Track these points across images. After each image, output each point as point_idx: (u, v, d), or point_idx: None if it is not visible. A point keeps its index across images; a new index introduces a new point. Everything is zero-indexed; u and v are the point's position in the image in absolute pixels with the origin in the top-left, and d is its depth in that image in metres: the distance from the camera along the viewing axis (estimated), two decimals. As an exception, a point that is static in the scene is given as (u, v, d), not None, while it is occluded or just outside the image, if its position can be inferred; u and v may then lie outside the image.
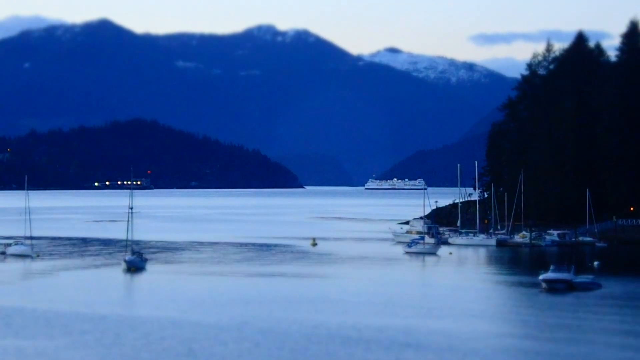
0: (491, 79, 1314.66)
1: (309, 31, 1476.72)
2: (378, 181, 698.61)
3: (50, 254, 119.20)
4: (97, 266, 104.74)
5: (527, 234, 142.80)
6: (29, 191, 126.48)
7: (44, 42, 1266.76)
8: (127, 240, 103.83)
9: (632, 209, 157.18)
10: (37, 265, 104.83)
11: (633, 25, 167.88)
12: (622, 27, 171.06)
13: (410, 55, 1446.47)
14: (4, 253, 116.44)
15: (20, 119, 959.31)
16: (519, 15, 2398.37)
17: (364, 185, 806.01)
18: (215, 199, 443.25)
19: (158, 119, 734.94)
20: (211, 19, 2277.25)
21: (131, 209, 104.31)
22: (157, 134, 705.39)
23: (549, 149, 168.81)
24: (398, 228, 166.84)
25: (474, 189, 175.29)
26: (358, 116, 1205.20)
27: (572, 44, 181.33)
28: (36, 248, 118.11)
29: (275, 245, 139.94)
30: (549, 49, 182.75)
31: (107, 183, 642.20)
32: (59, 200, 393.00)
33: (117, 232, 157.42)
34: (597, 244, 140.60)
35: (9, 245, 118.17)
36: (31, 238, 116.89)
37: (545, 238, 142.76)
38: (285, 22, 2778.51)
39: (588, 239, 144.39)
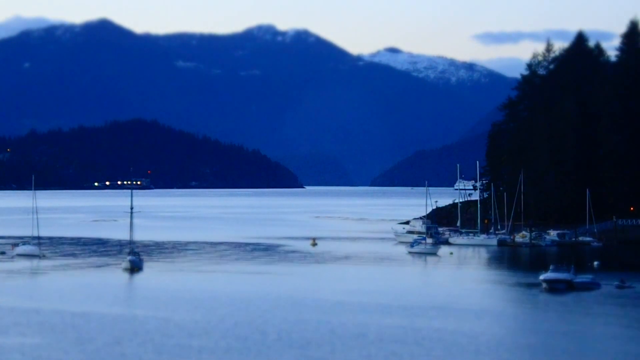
0: (491, 78, 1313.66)
1: (309, 31, 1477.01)
2: (465, 182, 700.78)
3: (56, 254, 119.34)
4: (99, 266, 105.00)
5: (527, 234, 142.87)
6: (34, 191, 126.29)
7: (44, 42, 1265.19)
8: (129, 240, 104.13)
9: (632, 209, 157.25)
10: (45, 264, 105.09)
11: (633, 25, 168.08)
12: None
13: (410, 55, 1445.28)
14: (3, 252, 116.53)
15: (20, 119, 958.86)
16: (525, 15, 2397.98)
17: (363, 185, 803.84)
18: (215, 199, 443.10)
19: (158, 119, 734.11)
20: (211, 19, 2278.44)
21: (132, 208, 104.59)
22: (157, 134, 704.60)
23: (549, 149, 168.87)
24: (400, 228, 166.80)
25: (473, 189, 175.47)
26: (358, 116, 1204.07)
27: (572, 44, 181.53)
28: (42, 248, 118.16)
29: (275, 245, 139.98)
30: (549, 48, 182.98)
31: (107, 183, 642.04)
32: (59, 200, 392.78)
33: (117, 231, 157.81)
34: (593, 244, 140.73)
35: (17, 245, 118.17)
36: (39, 238, 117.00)
37: (545, 238, 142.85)
38: (285, 22, 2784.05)
39: (588, 238, 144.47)
